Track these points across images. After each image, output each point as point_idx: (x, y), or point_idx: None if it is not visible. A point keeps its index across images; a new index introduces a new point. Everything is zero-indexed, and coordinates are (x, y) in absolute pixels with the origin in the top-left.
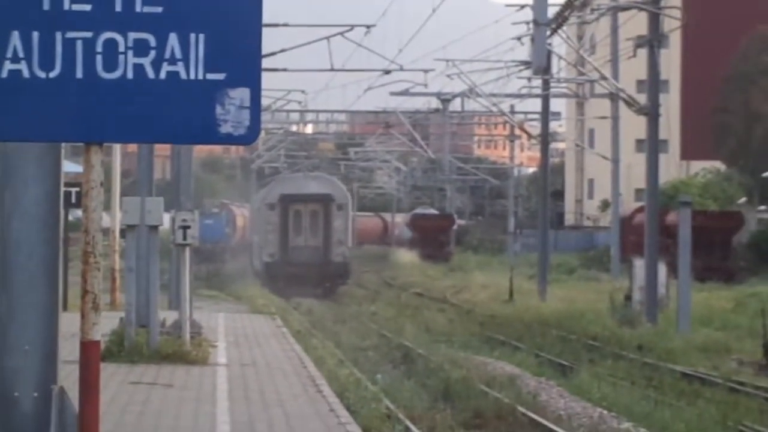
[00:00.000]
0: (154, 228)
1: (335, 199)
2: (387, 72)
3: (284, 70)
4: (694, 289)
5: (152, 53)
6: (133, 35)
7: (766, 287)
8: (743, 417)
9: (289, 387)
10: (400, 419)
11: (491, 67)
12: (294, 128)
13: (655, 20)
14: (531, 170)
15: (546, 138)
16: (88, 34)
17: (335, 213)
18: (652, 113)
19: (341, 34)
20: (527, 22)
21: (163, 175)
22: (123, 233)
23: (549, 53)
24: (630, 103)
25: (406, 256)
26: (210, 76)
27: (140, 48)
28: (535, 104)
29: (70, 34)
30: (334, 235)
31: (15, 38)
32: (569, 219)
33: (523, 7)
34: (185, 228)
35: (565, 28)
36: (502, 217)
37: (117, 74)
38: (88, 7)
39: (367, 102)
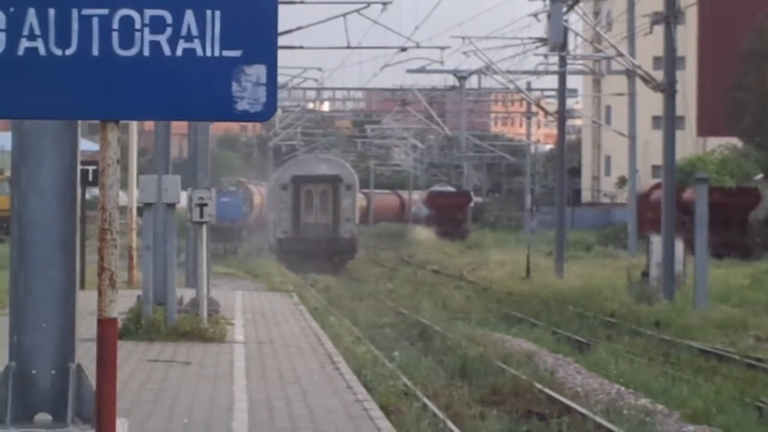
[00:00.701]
0: (171, 206)
1: (343, 180)
2: (403, 49)
3: (301, 47)
4: (711, 265)
5: (168, 30)
6: (149, 12)
7: None
8: (761, 393)
9: (306, 364)
10: (418, 396)
11: (508, 44)
12: (310, 106)
13: None
14: (548, 147)
15: (563, 115)
16: (105, 11)
17: (343, 193)
18: (668, 90)
19: (357, 11)
20: None
21: (180, 153)
22: (140, 211)
23: (565, 30)
24: (647, 79)
25: (423, 234)
26: (226, 53)
27: (156, 25)
28: (552, 81)
29: (87, 11)
30: (342, 214)
31: (31, 15)
32: (586, 196)
33: None
34: (202, 206)
35: (581, 4)
36: (518, 194)
37: (133, 51)
38: None
39: (383, 79)
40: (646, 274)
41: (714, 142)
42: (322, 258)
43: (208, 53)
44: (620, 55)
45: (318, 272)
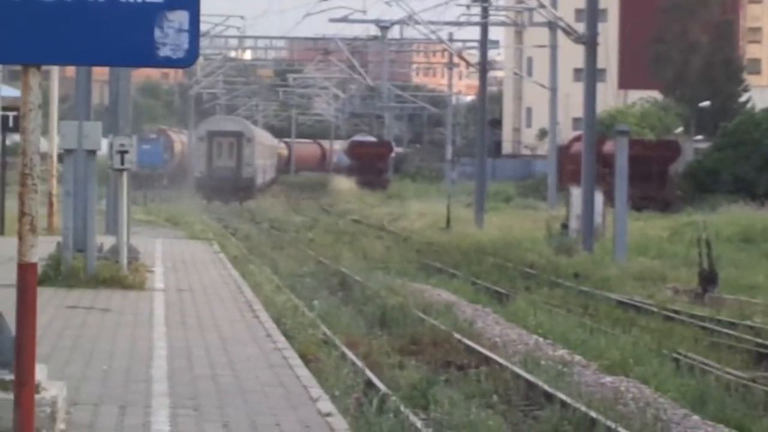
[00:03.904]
0: (92, 153)
1: (245, 134)
2: None
3: None
4: (631, 217)
5: None
6: None
7: (702, 216)
8: (678, 345)
9: (225, 312)
10: (337, 345)
11: None
12: (232, 54)
13: None
14: (469, 98)
15: (484, 66)
16: None
17: (245, 144)
18: (590, 42)
19: None
20: None
21: (102, 100)
22: (61, 158)
23: None
24: (568, 32)
25: (344, 184)
26: None
27: None
28: (474, 32)
29: None
30: (244, 159)
31: None
32: (507, 147)
33: None
34: (123, 153)
35: None
36: (440, 145)
37: None
38: None
39: (306, 28)
40: (565, 225)
41: (635, 95)
42: (228, 192)
43: None
44: (542, 6)
45: (225, 203)
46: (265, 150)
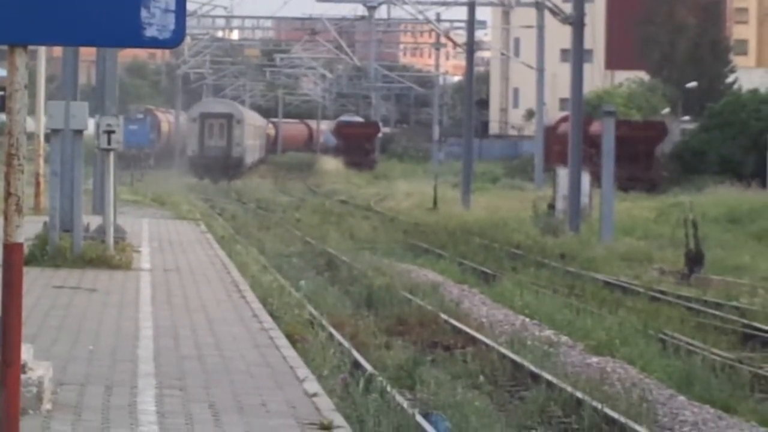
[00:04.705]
0: (79, 132)
1: (235, 115)
2: None
3: None
4: (617, 198)
5: None
6: None
7: (688, 197)
8: (664, 325)
9: (212, 292)
10: (323, 325)
11: None
12: (220, 34)
13: None
14: (456, 79)
15: (471, 46)
16: None
17: (235, 125)
18: (577, 23)
19: None
20: None
21: (88, 81)
22: (48, 138)
23: None
24: (555, 12)
25: (331, 164)
26: None
27: None
28: (461, 12)
29: None
30: (234, 140)
31: None
32: (494, 128)
33: None
34: (110, 133)
35: None
36: (427, 125)
37: None
38: None
39: (293, 8)
40: (552, 206)
41: (622, 76)
42: (219, 170)
43: None
44: None
45: (216, 181)
46: (254, 130)
